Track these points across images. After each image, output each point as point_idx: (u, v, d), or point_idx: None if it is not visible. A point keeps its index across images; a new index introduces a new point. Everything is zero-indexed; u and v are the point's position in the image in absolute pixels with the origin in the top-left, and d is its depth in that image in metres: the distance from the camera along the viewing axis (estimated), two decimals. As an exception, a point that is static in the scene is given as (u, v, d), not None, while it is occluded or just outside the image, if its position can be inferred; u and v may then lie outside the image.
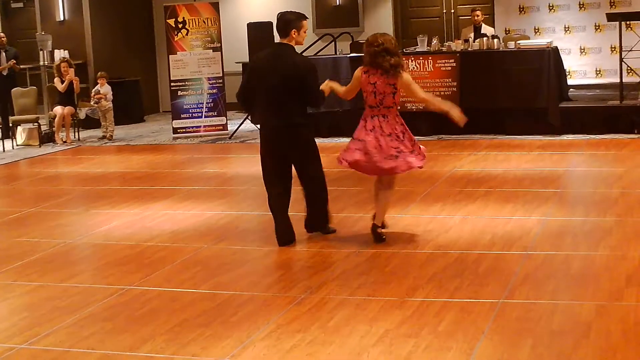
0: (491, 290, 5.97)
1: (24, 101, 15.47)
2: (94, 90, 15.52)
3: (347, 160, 7.22)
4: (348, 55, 14.02)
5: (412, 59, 13.21)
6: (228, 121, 15.25)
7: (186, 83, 15.13)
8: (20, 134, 15.15)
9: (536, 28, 16.37)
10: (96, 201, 9.89)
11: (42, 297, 6.39)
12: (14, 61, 15.92)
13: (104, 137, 15.30)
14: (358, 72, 7.29)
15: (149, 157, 13.14)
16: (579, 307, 5.56)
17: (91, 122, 16.57)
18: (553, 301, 5.71)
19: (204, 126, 15.15)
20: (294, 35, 7.27)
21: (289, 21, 7.31)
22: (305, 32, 7.37)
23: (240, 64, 17.47)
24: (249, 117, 14.74)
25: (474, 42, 13.61)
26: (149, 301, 6.15)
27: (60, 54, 16.35)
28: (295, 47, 7.39)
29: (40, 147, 14.77)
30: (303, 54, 7.58)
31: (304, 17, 7.45)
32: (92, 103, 15.58)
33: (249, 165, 12.04)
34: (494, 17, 16.61)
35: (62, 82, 15.12)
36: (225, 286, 6.41)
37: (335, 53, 14.77)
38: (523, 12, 16.48)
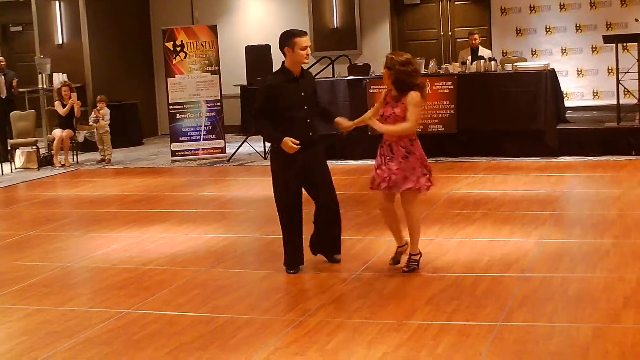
0: (489, 312, 5.97)
1: (22, 124, 15.49)
2: (94, 110, 15.53)
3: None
4: (346, 78, 14.07)
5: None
6: (226, 144, 15.27)
7: (184, 106, 15.16)
8: (19, 157, 15.17)
9: (533, 50, 16.43)
10: (94, 224, 9.90)
11: (39, 321, 6.38)
12: (16, 80, 15.93)
13: (102, 160, 15.32)
14: (418, 95, 7.02)
15: (147, 180, 13.15)
16: (576, 330, 5.56)
17: (90, 145, 16.59)
18: (551, 323, 5.71)
19: (203, 149, 15.18)
20: (288, 54, 7.10)
21: (281, 40, 7.15)
22: (303, 49, 7.01)
23: (239, 87, 17.55)
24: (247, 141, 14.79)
25: (471, 64, 13.66)
26: (147, 325, 6.15)
27: (59, 77, 16.42)
28: (302, 65, 7.19)
29: (38, 170, 14.79)
30: (275, 72, 7.28)
31: (299, 34, 7.11)
32: (90, 122, 15.58)
33: (247, 188, 12.06)
34: (491, 39, 16.68)
35: (63, 105, 15.16)
36: (223, 309, 6.41)
37: (333, 75, 14.82)
38: (520, 34, 16.55)
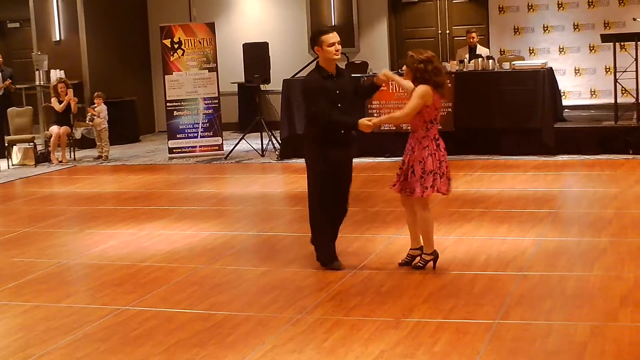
0: (486, 310, 5.97)
1: (19, 121, 15.47)
2: (89, 107, 15.55)
3: (445, 191, 7.03)
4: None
5: (408, 79, 13.24)
6: (224, 141, 15.26)
7: (182, 103, 15.15)
8: (16, 154, 15.16)
9: (531, 49, 16.43)
10: (91, 221, 9.89)
11: (36, 317, 6.38)
12: (10, 81, 15.94)
13: (99, 157, 15.31)
14: (427, 90, 6.86)
15: (144, 177, 13.14)
16: (573, 328, 5.56)
17: (87, 142, 16.56)
18: (548, 322, 5.72)
19: (200, 146, 15.16)
20: (318, 53, 7.12)
21: (310, 41, 7.26)
22: (330, 45, 6.99)
23: (236, 84, 17.54)
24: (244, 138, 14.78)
25: (469, 62, 13.66)
26: (144, 322, 6.14)
27: (56, 74, 16.39)
28: (331, 61, 7.11)
29: (35, 166, 14.77)
30: (311, 71, 7.27)
31: (325, 31, 7.15)
32: (87, 121, 15.58)
33: (245, 185, 12.05)
34: (489, 37, 16.67)
35: (60, 102, 15.15)
36: (220, 306, 6.41)
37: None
38: (518, 33, 16.55)
